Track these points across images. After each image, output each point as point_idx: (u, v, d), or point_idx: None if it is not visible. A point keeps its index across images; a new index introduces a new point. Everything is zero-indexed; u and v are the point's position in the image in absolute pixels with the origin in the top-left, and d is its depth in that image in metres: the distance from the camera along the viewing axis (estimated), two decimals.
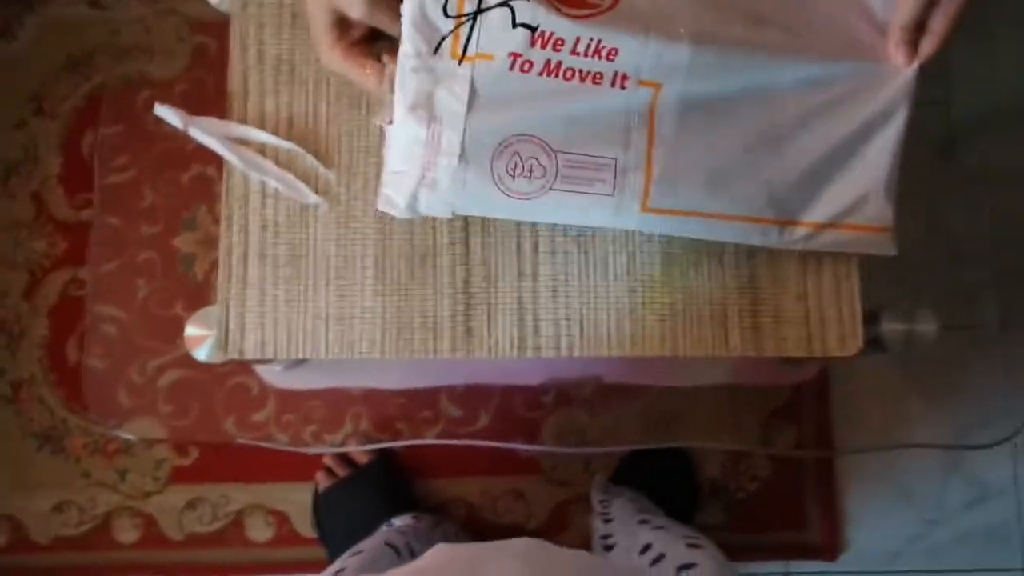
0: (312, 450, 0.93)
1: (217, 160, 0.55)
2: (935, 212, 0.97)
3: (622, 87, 0.43)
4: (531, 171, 0.45)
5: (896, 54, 0.46)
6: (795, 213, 0.48)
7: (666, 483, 0.92)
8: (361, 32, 0.47)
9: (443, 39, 0.42)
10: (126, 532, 0.96)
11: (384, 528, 0.85)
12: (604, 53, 0.42)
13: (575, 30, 0.42)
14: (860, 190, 0.47)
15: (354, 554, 0.65)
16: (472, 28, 0.42)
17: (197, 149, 1.02)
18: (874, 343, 0.56)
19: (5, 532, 0.95)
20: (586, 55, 0.42)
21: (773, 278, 0.53)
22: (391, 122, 0.46)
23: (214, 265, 1.00)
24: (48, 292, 0.99)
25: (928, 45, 0.46)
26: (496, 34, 0.42)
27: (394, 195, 0.46)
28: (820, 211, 0.48)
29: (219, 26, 0.57)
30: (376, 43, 0.48)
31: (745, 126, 0.45)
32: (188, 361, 1.03)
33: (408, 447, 0.96)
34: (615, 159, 0.45)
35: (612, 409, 0.96)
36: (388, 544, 0.68)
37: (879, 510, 0.98)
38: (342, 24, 0.47)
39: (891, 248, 0.49)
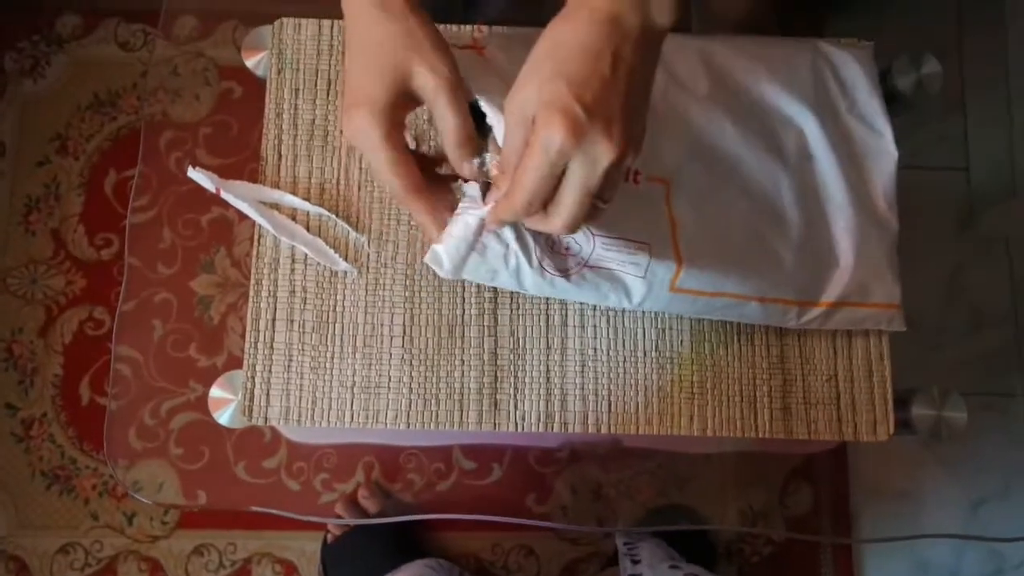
0: (322, 519, 0.92)
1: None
2: (957, 279, 0.97)
3: (635, 183, 0.47)
4: (568, 249, 0.46)
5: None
6: (812, 294, 0.50)
7: (681, 542, 0.91)
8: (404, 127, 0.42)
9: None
10: None
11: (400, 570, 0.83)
12: None
13: None
14: (867, 270, 0.50)
15: None
16: None
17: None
18: (902, 425, 0.55)
19: (10, 572, 0.94)
20: None
21: (803, 359, 0.53)
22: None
23: (231, 308, 1.00)
24: (64, 330, 0.99)
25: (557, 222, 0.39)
26: None
27: (443, 254, 0.45)
28: (832, 292, 0.50)
29: (246, 71, 0.58)
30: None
31: (748, 211, 0.49)
32: (200, 405, 1.02)
33: (419, 498, 0.95)
34: (648, 244, 0.47)
35: (626, 467, 0.95)
36: None
37: None
38: (400, 103, 0.40)
39: (901, 324, 0.52)
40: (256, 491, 0.97)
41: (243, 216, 0.54)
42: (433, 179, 0.44)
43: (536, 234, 0.45)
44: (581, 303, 0.53)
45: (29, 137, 1.04)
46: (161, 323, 0.99)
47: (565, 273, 0.47)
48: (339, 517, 0.94)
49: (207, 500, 0.89)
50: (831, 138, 0.51)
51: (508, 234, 0.45)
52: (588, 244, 0.46)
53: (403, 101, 0.40)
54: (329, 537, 0.93)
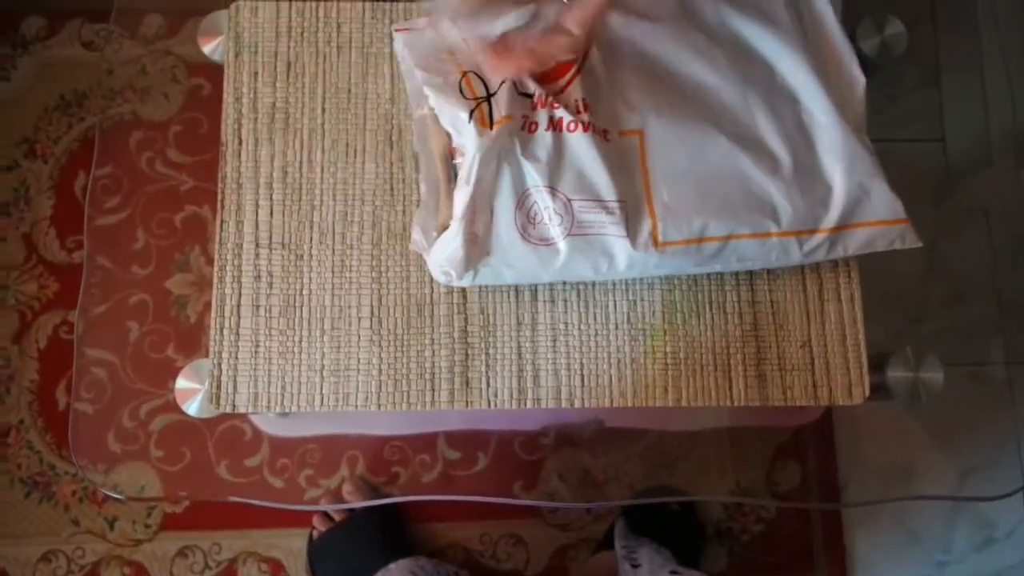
0: (306, 508, 0.91)
1: (210, 200, 0.54)
2: (936, 251, 0.97)
3: (606, 139, 0.47)
4: (549, 219, 0.46)
5: None
6: (810, 223, 0.48)
7: (670, 526, 0.90)
8: None
9: (472, 112, 0.45)
10: None
11: (388, 570, 0.82)
12: (589, 109, 0.47)
13: (561, 98, 0.47)
14: (862, 189, 0.48)
15: None
16: (490, 104, 0.46)
17: (191, 190, 1.00)
18: (880, 390, 0.55)
19: None
20: (578, 111, 0.46)
21: (777, 326, 0.52)
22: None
23: (207, 307, 0.97)
24: (38, 335, 0.98)
25: None
26: (511, 100, 0.46)
27: (442, 256, 0.47)
28: (831, 216, 0.48)
29: (215, 68, 0.57)
30: None
31: (726, 145, 0.48)
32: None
33: (405, 489, 0.94)
34: (624, 201, 0.46)
35: (613, 451, 0.94)
36: None
37: (887, 553, 0.96)
38: None
39: (915, 239, 0.49)
40: (239, 490, 0.96)
41: (217, 218, 0.53)
42: None
43: (516, 211, 0.46)
44: None
45: None
46: (137, 325, 0.97)
47: (551, 241, 0.46)
48: (324, 514, 0.93)
49: (185, 493, 0.88)
50: (807, 63, 0.49)
51: (491, 215, 0.46)
52: (567, 212, 0.46)
53: None
54: (315, 534, 0.92)
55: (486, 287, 0.52)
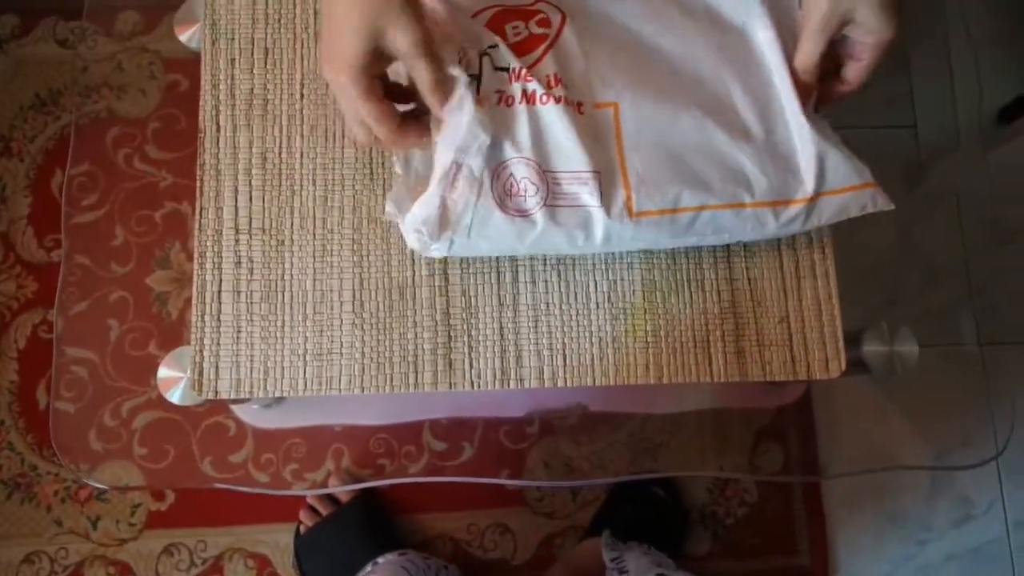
0: (290, 492, 0.91)
1: (190, 196, 0.54)
2: (908, 236, 0.99)
3: (580, 112, 0.47)
4: (526, 190, 0.47)
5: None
6: (784, 193, 0.49)
7: (654, 511, 0.91)
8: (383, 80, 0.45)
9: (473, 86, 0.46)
10: None
11: (377, 566, 0.83)
12: (563, 82, 0.47)
13: (535, 71, 0.48)
14: (831, 158, 0.49)
15: None
16: (479, 82, 0.46)
17: (170, 186, 1.00)
18: (857, 364, 0.56)
19: None
20: (552, 85, 0.47)
21: (755, 302, 0.53)
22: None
23: (188, 303, 0.97)
24: (17, 335, 0.97)
25: (844, 91, 0.51)
26: (490, 77, 0.47)
27: (417, 216, 0.47)
28: (805, 187, 0.49)
29: (192, 64, 0.57)
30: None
31: (694, 114, 0.49)
32: (162, 402, 0.99)
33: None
34: (598, 172, 0.47)
35: (598, 438, 0.95)
36: None
37: (868, 532, 0.97)
38: (376, 60, 0.43)
39: (887, 202, 0.50)
40: (222, 490, 0.95)
41: (195, 206, 0.53)
42: (408, 116, 0.47)
43: (492, 182, 0.46)
44: (531, 258, 0.52)
45: None
46: (117, 322, 0.97)
47: (529, 212, 0.47)
48: (310, 508, 0.92)
49: (169, 481, 0.87)
50: (775, 35, 0.50)
51: (469, 188, 0.46)
52: (542, 182, 0.46)
53: (378, 58, 0.42)
54: (302, 528, 0.92)
55: (467, 268, 0.52)
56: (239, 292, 0.52)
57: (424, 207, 0.46)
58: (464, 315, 0.52)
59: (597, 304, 0.53)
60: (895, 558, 0.97)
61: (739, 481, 0.96)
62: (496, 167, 0.46)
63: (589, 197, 0.47)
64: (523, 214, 0.47)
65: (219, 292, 0.52)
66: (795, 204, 0.49)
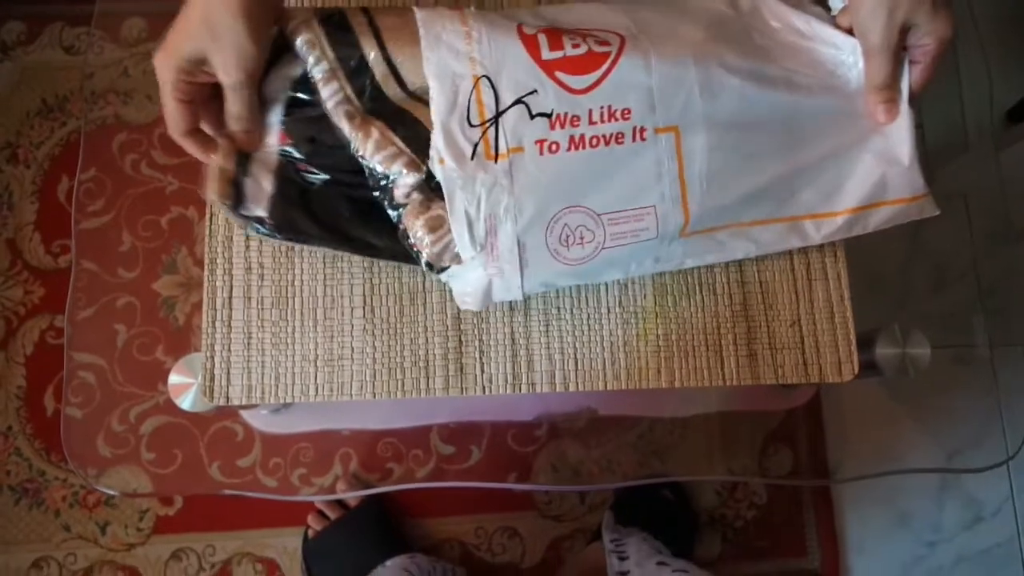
0: (298, 498, 0.91)
1: (197, 202, 0.54)
2: (918, 237, 0.98)
3: (642, 139, 0.46)
4: (582, 237, 0.46)
5: (878, 114, 0.49)
6: (829, 206, 0.49)
7: (663, 514, 0.91)
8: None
9: (476, 146, 0.45)
10: None
11: (385, 569, 0.82)
12: (619, 114, 0.45)
13: (585, 104, 0.45)
14: (881, 169, 0.48)
15: None
16: (497, 130, 0.45)
17: (176, 191, 1.00)
18: (869, 367, 0.56)
19: None
20: (602, 121, 0.45)
21: (766, 306, 0.53)
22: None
23: (195, 308, 0.98)
24: (24, 341, 0.97)
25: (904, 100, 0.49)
26: (519, 128, 0.45)
27: (467, 295, 0.48)
28: (850, 198, 0.49)
29: None
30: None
31: (765, 144, 0.48)
32: (170, 407, 0.99)
33: (398, 485, 0.94)
34: (654, 206, 0.46)
35: (606, 441, 0.95)
36: None
37: (878, 534, 0.97)
38: (196, 69, 0.44)
39: (933, 208, 0.50)
40: (233, 489, 0.95)
41: (206, 212, 0.53)
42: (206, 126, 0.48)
43: (546, 236, 0.46)
44: None
45: None
46: (125, 327, 0.97)
47: (586, 260, 0.47)
48: (319, 512, 0.92)
49: (178, 488, 0.87)
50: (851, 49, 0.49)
51: (517, 248, 0.46)
52: (599, 228, 0.46)
53: (197, 68, 0.44)
54: (310, 532, 0.92)
55: None
56: (250, 298, 0.52)
57: (468, 282, 0.47)
58: (475, 320, 0.52)
59: (608, 308, 0.52)
60: (905, 560, 0.97)
61: (748, 484, 0.96)
62: (549, 221, 0.46)
63: (646, 232, 0.46)
64: (580, 262, 0.46)
65: (229, 298, 0.52)
66: (839, 216, 0.49)
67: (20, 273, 0.99)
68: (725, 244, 0.49)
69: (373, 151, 0.46)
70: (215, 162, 0.47)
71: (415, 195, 0.46)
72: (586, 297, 0.52)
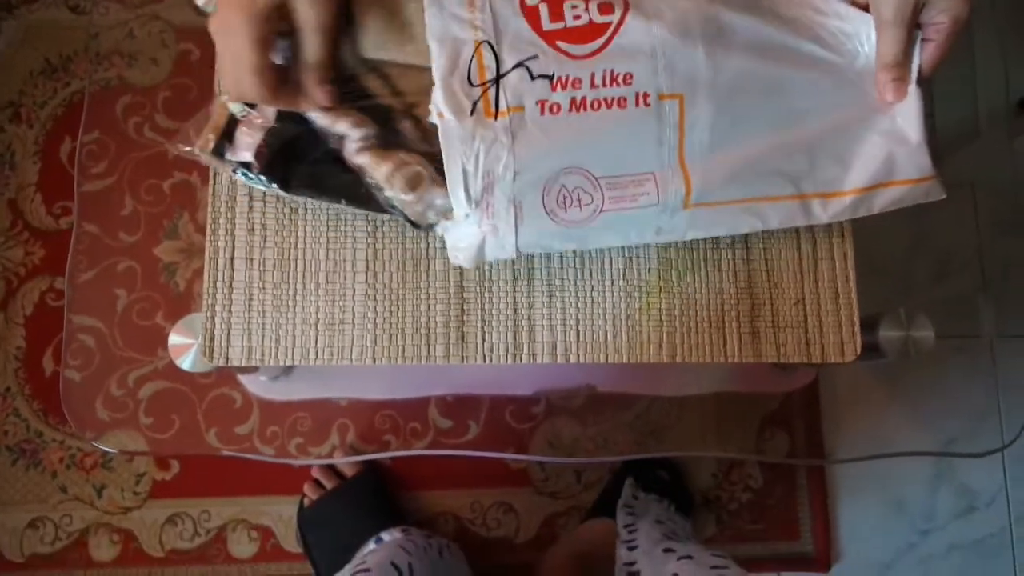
0: (297, 462, 0.91)
1: (200, 167, 0.53)
2: (923, 225, 0.98)
3: (646, 105, 0.45)
4: (579, 200, 0.46)
5: (886, 92, 0.48)
6: (836, 185, 0.48)
7: (659, 493, 0.91)
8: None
9: (475, 103, 0.44)
10: (103, 549, 0.93)
11: (375, 546, 0.83)
12: (620, 79, 0.45)
13: (588, 67, 0.45)
14: (888, 148, 0.48)
15: (360, 570, 0.63)
16: (498, 89, 0.45)
17: (179, 156, 0.99)
18: (871, 349, 0.55)
19: None
20: (604, 85, 0.45)
21: (771, 284, 0.53)
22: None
23: (196, 274, 0.98)
24: (24, 302, 0.97)
25: (920, 76, 0.48)
26: (520, 88, 0.45)
27: (459, 251, 0.48)
28: (857, 177, 0.48)
29: (204, 32, 0.56)
30: None
31: (768, 116, 0.47)
32: (169, 372, 1.00)
33: (397, 459, 0.95)
34: (653, 173, 0.46)
35: (603, 420, 0.95)
36: (393, 564, 0.66)
37: (871, 520, 0.97)
38: (276, 17, 0.43)
39: (940, 191, 0.49)
40: (229, 457, 0.96)
41: (209, 174, 0.52)
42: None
43: (543, 197, 0.46)
44: None
45: None
46: (125, 292, 0.97)
47: (583, 222, 0.46)
48: (315, 481, 0.93)
49: (176, 449, 0.87)
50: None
51: (512, 205, 0.45)
52: (597, 192, 0.46)
53: (276, 16, 0.42)
54: (306, 501, 0.92)
55: None
56: (252, 259, 0.51)
57: (461, 238, 0.46)
58: (478, 288, 0.52)
59: (612, 281, 0.52)
60: (898, 547, 0.97)
61: (744, 467, 0.96)
62: (545, 181, 0.45)
63: (645, 198, 0.46)
64: (578, 224, 0.46)
65: (231, 259, 0.51)
66: (846, 195, 0.48)
67: (21, 234, 0.98)
68: (730, 219, 0.48)
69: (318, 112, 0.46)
70: (218, 113, 0.47)
71: (369, 154, 0.46)
72: (590, 269, 0.52)
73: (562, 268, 0.52)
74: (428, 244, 0.52)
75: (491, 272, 0.52)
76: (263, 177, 0.48)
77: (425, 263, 0.52)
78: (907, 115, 0.48)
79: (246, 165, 0.47)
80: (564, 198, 0.46)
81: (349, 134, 0.46)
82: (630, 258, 0.52)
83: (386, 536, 0.85)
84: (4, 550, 0.93)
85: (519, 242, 0.46)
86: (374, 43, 0.47)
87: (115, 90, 1.02)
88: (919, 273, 0.99)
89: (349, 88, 0.47)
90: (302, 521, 0.92)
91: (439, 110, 0.45)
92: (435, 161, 0.46)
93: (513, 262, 0.52)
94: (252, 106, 0.47)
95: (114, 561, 0.92)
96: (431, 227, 0.48)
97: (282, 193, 0.49)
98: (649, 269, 0.52)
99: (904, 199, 0.49)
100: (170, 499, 0.93)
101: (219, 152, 0.47)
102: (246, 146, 0.47)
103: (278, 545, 0.93)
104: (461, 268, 0.52)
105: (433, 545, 0.82)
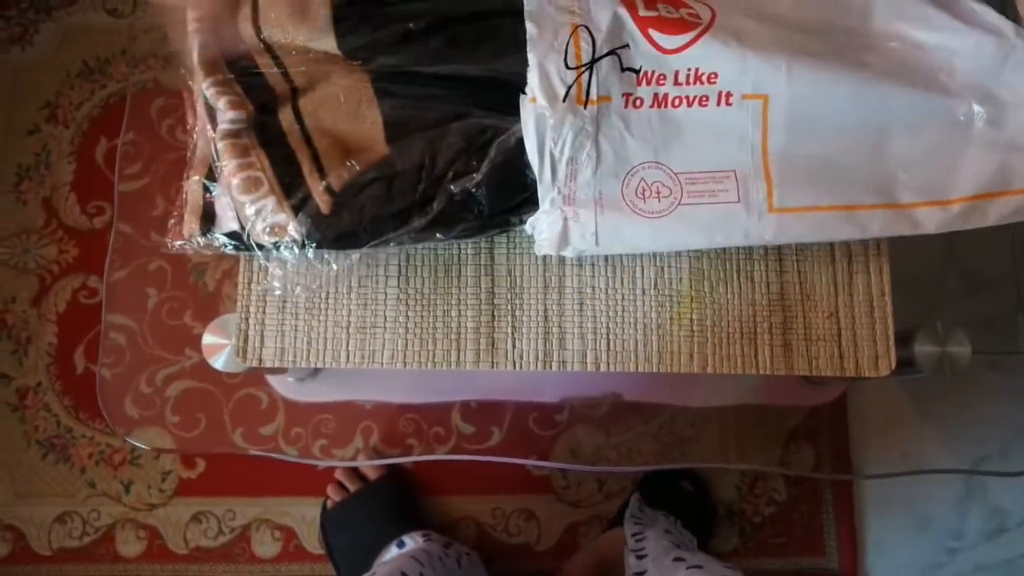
0: (321, 464, 0.91)
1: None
2: (954, 240, 0.96)
3: (727, 104, 0.46)
4: (658, 192, 0.47)
5: None
6: (941, 193, 0.46)
7: (681, 507, 0.90)
8: None
9: (569, 88, 0.46)
10: (129, 544, 0.94)
11: (397, 550, 0.83)
12: (705, 78, 0.46)
13: (672, 64, 0.46)
14: (999, 156, 0.46)
15: None
16: (590, 76, 0.46)
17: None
18: (905, 364, 0.55)
19: (7, 542, 0.94)
20: (688, 83, 0.46)
21: (804, 296, 0.52)
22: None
23: (225, 275, 0.99)
24: (57, 299, 0.98)
25: None
26: (609, 78, 0.46)
27: (543, 238, 0.48)
28: (966, 185, 0.46)
29: None
30: None
31: (855, 123, 0.47)
32: (197, 372, 1.01)
33: (419, 463, 0.95)
34: (734, 171, 0.47)
35: (627, 430, 0.94)
36: (404, 575, 0.66)
37: (898, 538, 0.96)
38: None
39: None
40: (254, 457, 0.97)
41: None
42: None
43: (623, 189, 0.47)
44: None
45: (18, 105, 1.03)
46: (156, 291, 0.98)
47: (661, 213, 0.47)
48: (338, 483, 0.93)
49: (203, 447, 0.88)
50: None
51: (595, 193, 0.46)
52: (676, 186, 0.46)
53: None
54: (329, 503, 0.93)
55: (514, 249, 0.52)
56: (285, 262, 0.52)
57: (544, 227, 0.47)
58: (509, 295, 0.52)
59: (643, 290, 0.52)
60: (924, 565, 0.96)
61: (768, 480, 0.95)
62: (627, 173, 0.46)
63: (725, 194, 0.46)
64: (656, 215, 0.47)
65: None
66: (953, 204, 0.46)
67: (55, 232, 1.00)
68: (826, 225, 0.47)
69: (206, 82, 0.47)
70: (193, 195, 0.47)
71: (228, 142, 0.46)
72: (621, 278, 0.52)
73: (593, 276, 0.52)
74: (460, 250, 0.52)
75: (522, 279, 0.52)
76: (251, 247, 0.47)
77: (457, 268, 0.52)
78: (1021, 121, 0.46)
79: (234, 235, 0.47)
80: (643, 190, 0.47)
81: (223, 113, 0.46)
82: (661, 267, 0.52)
83: (408, 540, 0.85)
84: (32, 543, 0.94)
85: (598, 231, 0.47)
86: (273, 20, 0.48)
87: (150, 92, 1.03)
88: (950, 288, 0.98)
89: (241, 61, 0.48)
90: (325, 523, 0.93)
91: (532, 95, 0.45)
92: (292, 163, 0.46)
93: (544, 270, 0.52)
94: (214, 180, 0.48)
95: (140, 557, 0.93)
96: (261, 248, 0.47)
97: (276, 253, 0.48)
98: (681, 279, 0.52)
99: (1022, 211, 0.46)
100: (195, 497, 0.94)
101: (206, 232, 0.48)
102: (229, 218, 0.47)
103: (301, 546, 0.94)
104: (492, 275, 0.52)
105: (451, 554, 0.82)
